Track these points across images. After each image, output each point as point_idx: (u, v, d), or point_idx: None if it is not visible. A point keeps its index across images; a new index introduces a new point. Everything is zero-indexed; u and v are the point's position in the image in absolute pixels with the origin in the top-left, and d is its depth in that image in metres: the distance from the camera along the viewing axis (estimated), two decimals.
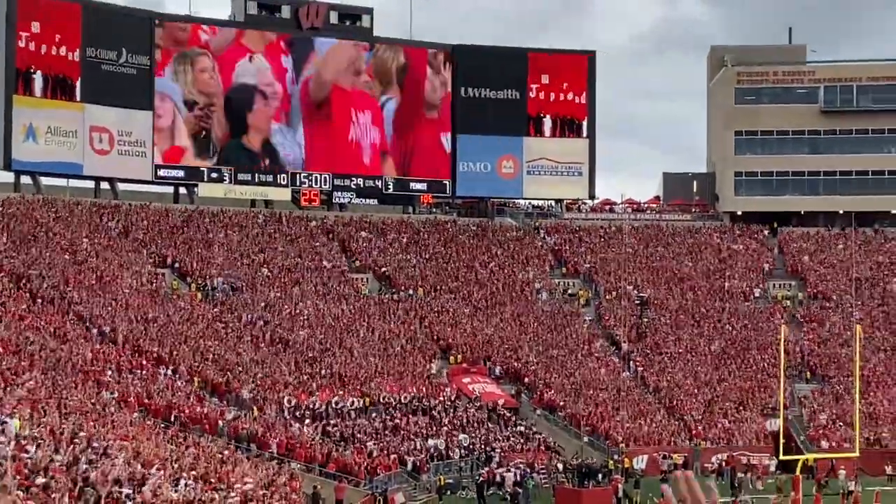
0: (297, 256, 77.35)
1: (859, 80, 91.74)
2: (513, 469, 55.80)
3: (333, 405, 58.76)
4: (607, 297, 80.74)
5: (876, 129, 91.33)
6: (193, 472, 34.02)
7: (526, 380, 69.08)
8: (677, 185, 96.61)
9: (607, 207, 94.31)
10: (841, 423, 65.96)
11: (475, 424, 61.38)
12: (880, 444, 64.35)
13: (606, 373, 70.95)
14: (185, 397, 53.44)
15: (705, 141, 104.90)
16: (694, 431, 65.21)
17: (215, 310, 67.93)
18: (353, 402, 59.74)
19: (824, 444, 64.18)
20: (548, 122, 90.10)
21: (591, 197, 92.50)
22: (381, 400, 61.01)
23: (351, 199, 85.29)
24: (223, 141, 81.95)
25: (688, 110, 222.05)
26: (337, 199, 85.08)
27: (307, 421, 56.41)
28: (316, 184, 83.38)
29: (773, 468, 59.85)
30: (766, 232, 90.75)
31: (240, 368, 59.95)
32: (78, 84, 76.16)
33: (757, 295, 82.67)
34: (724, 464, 60.99)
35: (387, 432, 58.07)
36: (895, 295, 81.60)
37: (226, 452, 42.45)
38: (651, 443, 63.26)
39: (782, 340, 60.40)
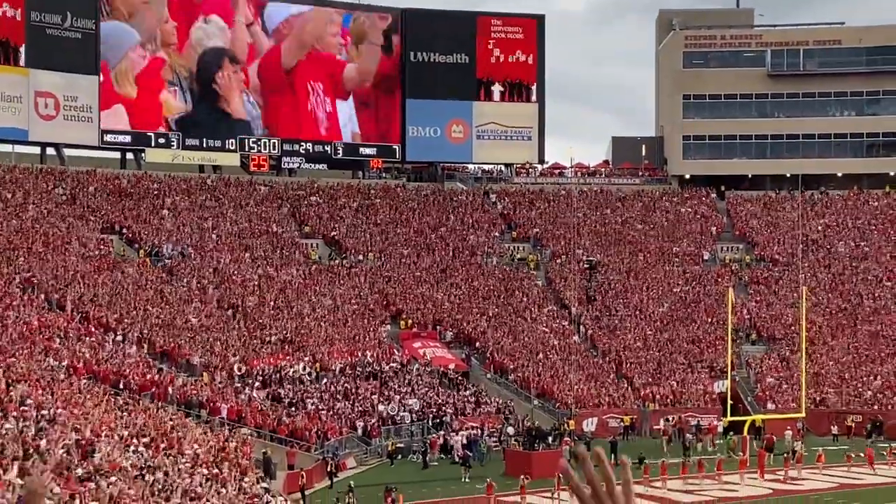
0: (247, 222, 76.93)
1: (806, 43, 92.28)
2: (463, 433, 56.06)
3: (284, 371, 58.68)
4: (557, 260, 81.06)
5: (822, 93, 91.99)
6: (144, 439, 33.89)
7: (476, 344, 69.33)
8: (626, 149, 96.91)
9: (557, 171, 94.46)
10: (787, 385, 66.82)
11: (426, 389, 61.57)
12: (826, 405, 65.29)
13: (556, 336, 71.34)
14: (135, 364, 53.15)
15: (654, 105, 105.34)
16: (643, 393, 65.81)
17: (164, 276, 67.51)
18: (303, 367, 59.71)
19: (771, 405, 65.04)
20: (497, 87, 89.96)
21: (541, 161, 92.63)
22: (332, 365, 61.01)
23: (300, 164, 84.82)
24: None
25: (637, 74, 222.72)
26: (286, 165, 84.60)
27: (257, 386, 56.33)
28: (265, 149, 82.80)
29: (721, 429, 60.52)
30: (713, 195, 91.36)
31: (189, 335, 59.68)
32: (22, 49, 74.99)
33: (705, 258, 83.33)
34: (672, 425, 61.62)
35: (337, 397, 58.12)
36: (841, 257, 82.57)
37: (176, 418, 42.30)
38: (600, 405, 63.81)
39: (730, 303, 61.05)
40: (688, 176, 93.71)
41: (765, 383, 68.02)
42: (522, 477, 44.59)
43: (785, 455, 52.32)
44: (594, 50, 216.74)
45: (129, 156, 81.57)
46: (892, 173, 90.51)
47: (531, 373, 65.71)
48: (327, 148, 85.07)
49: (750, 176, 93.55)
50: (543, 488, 44.69)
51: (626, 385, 66.80)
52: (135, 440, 33.17)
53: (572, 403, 62.63)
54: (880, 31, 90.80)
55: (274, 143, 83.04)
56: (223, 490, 30.28)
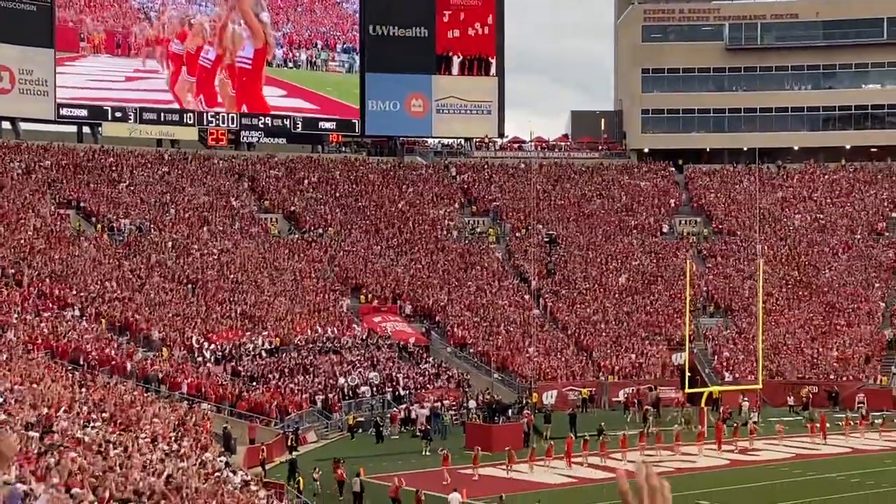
0: (205, 196, 76.54)
1: (763, 17, 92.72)
2: (424, 406, 56.26)
3: (244, 345, 58.60)
4: (516, 234, 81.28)
5: (779, 67, 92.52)
6: (104, 414, 33.78)
7: (436, 318, 69.47)
8: (585, 123, 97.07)
9: (516, 145, 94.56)
10: (744, 356, 67.48)
11: (386, 363, 61.69)
12: (782, 377, 65.99)
13: (516, 310, 71.59)
14: (93, 339, 52.90)
15: (613, 79, 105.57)
16: (602, 366, 66.25)
17: (122, 250, 67.09)
18: (263, 341, 59.65)
19: (728, 376, 65.65)
20: (456, 61, 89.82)
21: (501, 135, 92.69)
22: (292, 339, 60.98)
23: (259, 138, 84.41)
24: None
25: (597, 48, 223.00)
26: (245, 139, 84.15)
27: (217, 361, 56.24)
28: (223, 123, 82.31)
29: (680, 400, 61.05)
30: (672, 169, 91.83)
31: (148, 310, 59.43)
32: None
33: (664, 231, 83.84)
34: (631, 396, 62.14)
35: (298, 371, 58.13)
36: (798, 230, 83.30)
37: (135, 394, 42.18)
38: (560, 378, 64.19)
39: (688, 276, 61.49)
40: (646, 150, 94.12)
41: (722, 355, 68.65)
42: (476, 449, 44.90)
43: (735, 425, 52.94)
44: (554, 24, 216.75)
45: (86, 129, 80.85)
46: (847, 147, 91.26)
47: (491, 346, 65.97)
48: (286, 122, 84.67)
49: (708, 149, 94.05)
50: (499, 461, 44.96)
51: (585, 358, 67.22)
52: (93, 416, 33.04)
53: (532, 376, 62.96)
54: (836, 5, 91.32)
55: (232, 117, 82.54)
56: (183, 464, 30.24)
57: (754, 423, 53.85)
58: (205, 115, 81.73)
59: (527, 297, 74.08)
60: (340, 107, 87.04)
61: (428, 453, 49.16)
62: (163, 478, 25.36)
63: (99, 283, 60.78)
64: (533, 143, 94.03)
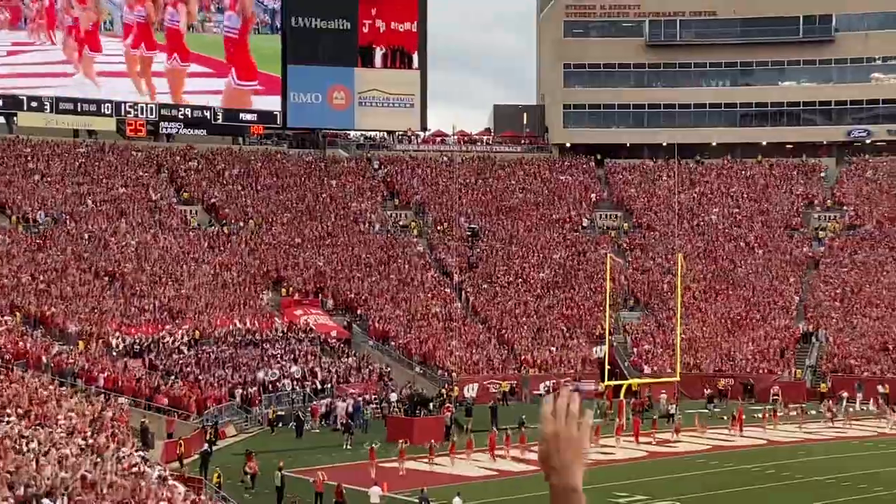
0: (123, 187, 75.54)
1: (682, 14, 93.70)
2: (346, 400, 56.10)
3: (162, 339, 57.95)
4: (439, 227, 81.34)
5: (698, 63, 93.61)
6: (18, 409, 33.21)
7: (358, 311, 69.31)
8: (508, 118, 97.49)
9: (439, 139, 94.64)
10: (663, 349, 68.26)
11: (307, 356, 61.41)
12: (699, 369, 66.87)
13: (438, 303, 71.64)
14: (7, 332, 51.95)
15: (535, 73, 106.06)
16: (523, 359, 66.58)
17: (38, 242, 65.96)
18: (182, 335, 59.02)
19: (647, 369, 66.39)
20: (379, 53, 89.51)
21: (423, 128, 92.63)
22: (212, 333, 60.44)
23: (178, 129, 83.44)
24: None
25: (520, 42, 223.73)
26: (164, 130, 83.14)
27: (135, 355, 55.56)
28: (142, 114, 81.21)
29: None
30: (593, 164, 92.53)
31: (64, 303, 58.54)
32: None
33: (585, 225, 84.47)
34: (550, 390, 62.52)
35: (217, 365, 57.63)
36: (715, 225, 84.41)
37: (51, 388, 41.51)
38: (481, 371, 64.40)
39: (608, 269, 62.06)
40: (568, 144, 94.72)
41: (641, 348, 69.38)
42: (401, 442, 44.84)
43: (654, 419, 53.46)
44: (478, 17, 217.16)
45: (1, 119, 79.33)
46: (764, 143, 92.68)
47: (413, 339, 66.00)
48: (206, 113, 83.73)
49: (628, 145, 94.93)
50: (423, 454, 44.99)
51: (506, 351, 67.52)
52: (8, 410, 32.47)
53: (454, 369, 63.06)
54: (754, 4, 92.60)
55: (151, 107, 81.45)
56: (99, 460, 29.83)
57: (679, 418, 54.42)
58: (123, 105, 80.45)
59: (448, 290, 74.18)
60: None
61: (349, 447, 49.04)
62: (79, 473, 25.02)
63: (13, 275, 59.72)
64: (455, 137, 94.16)
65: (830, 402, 59.13)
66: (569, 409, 3.64)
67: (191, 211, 76.57)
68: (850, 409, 58.70)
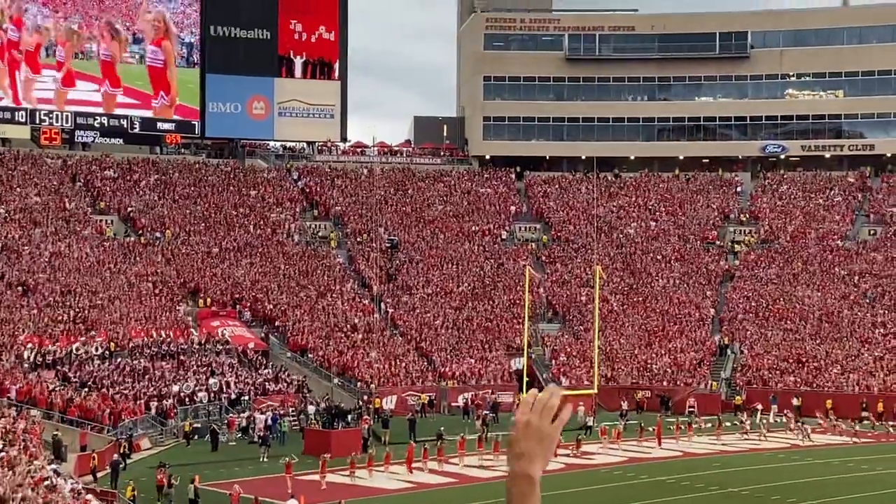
0: (37, 197, 74.29)
1: (601, 29, 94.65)
2: (263, 412, 55.62)
3: (76, 350, 57.04)
4: (358, 239, 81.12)
5: (616, 77, 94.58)
6: None
7: (276, 322, 68.84)
8: (428, 129, 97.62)
9: (359, 150, 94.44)
10: (580, 361, 68.68)
11: (224, 368, 60.81)
12: (616, 381, 67.40)
13: (356, 314, 71.40)
14: None
15: (455, 85, 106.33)
16: (441, 371, 66.58)
17: None
18: (97, 346, 58.16)
19: (565, 381, 66.70)
20: (299, 63, 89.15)
21: (343, 139, 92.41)
22: (127, 344, 59.61)
23: (94, 138, 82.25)
24: None
25: (440, 54, 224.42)
26: (80, 138, 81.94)
27: (48, 366, 54.61)
28: (57, 122, 79.97)
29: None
30: (512, 176, 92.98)
31: None
32: None
33: (504, 237, 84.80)
34: (469, 402, 62.61)
35: (132, 377, 56.84)
36: (633, 238, 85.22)
37: None
38: (400, 383, 64.27)
39: (527, 282, 62.30)
40: (488, 157, 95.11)
41: (559, 360, 69.76)
42: (322, 455, 44.50)
43: (579, 437, 53.16)
44: (399, 28, 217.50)
45: None
46: (681, 157, 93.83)
47: (331, 351, 65.70)
48: (123, 122, 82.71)
49: (547, 157, 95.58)
50: (342, 466, 44.75)
51: (425, 363, 67.47)
52: None
53: (372, 381, 62.86)
54: (672, 20, 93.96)
55: (67, 115, 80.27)
56: (11, 473, 29.25)
57: (619, 428, 54.63)
58: (38, 112, 79.25)
59: (367, 301, 73.98)
60: (181, 108, 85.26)
61: (266, 460, 48.62)
62: None
63: None
64: (375, 148, 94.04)
65: (745, 413, 59.92)
66: (548, 403, 3.73)
67: (106, 220, 75.52)
68: (765, 422, 59.50)
